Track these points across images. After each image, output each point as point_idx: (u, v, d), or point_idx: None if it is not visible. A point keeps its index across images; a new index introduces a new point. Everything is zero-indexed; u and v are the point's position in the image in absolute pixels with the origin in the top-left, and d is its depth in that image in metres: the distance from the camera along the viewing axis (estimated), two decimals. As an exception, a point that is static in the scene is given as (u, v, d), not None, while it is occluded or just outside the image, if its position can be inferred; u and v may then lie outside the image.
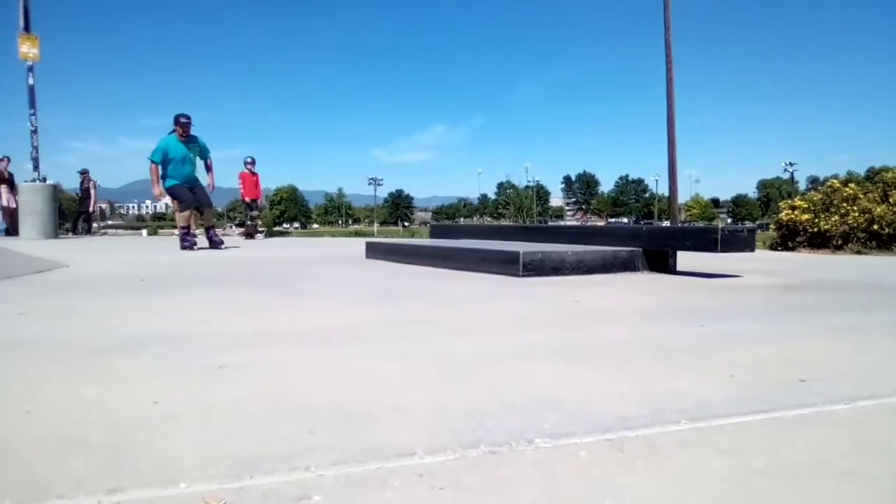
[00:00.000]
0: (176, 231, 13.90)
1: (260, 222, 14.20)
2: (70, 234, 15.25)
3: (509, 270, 3.94)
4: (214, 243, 7.83)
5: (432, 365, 1.62)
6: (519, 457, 0.99)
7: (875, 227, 7.14)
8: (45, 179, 11.90)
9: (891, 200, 7.34)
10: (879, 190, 7.81)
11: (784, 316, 2.54)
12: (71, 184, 20.04)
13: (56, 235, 11.67)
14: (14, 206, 12.98)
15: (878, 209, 7.22)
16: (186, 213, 7.64)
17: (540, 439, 1.06)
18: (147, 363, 1.63)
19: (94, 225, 18.97)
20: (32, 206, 11.30)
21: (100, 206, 22.51)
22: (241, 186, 13.73)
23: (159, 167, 7.41)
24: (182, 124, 7.47)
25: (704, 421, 1.15)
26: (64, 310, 2.65)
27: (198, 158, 7.78)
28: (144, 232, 22.99)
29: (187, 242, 7.54)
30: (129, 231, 30.48)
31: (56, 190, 12.39)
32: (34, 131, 11.87)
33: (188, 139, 7.56)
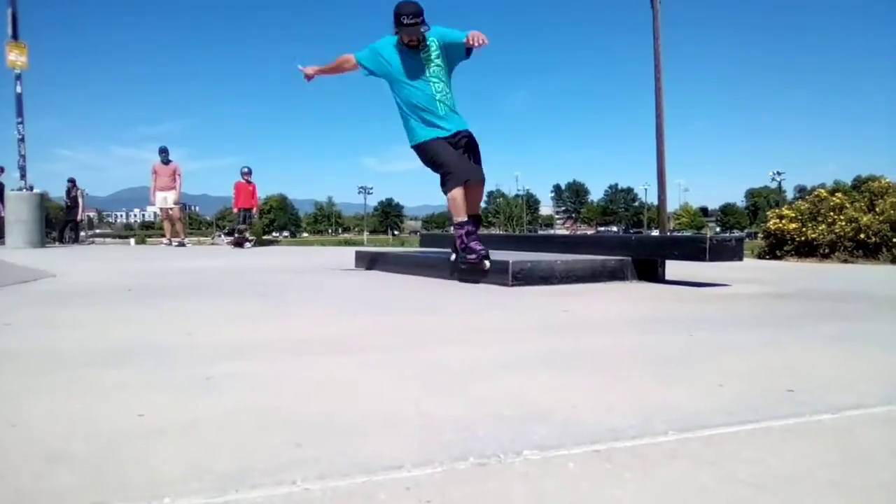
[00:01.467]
0: (164, 240, 13.79)
1: (249, 232, 14.19)
2: (57, 243, 15.14)
3: (499, 280, 3.94)
4: (476, 258, 3.96)
5: (422, 375, 1.62)
6: (507, 469, 0.99)
7: (862, 236, 7.21)
8: (32, 188, 11.83)
9: (877, 209, 7.41)
10: (866, 199, 7.89)
11: (772, 325, 2.55)
12: (58, 192, 19.95)
13: (43, 244, 11.59)
14: (2, 214, 12.91)
15: (865, 218, 7.28)
16: (459, 192, 3.98)
17: (529, 451, 1.05)
18: (133, 375, 1.61)
19: (82, 234, 18.84)
20: (19, 215, 11.23)
21: (87, 215, 22.37)
22: (234, 196, 13.78)
23: (358, 67, 4.28)
24: (407, 27, 3.94)
25: (692, 431, 1.16)
26: (50, 320, 2.62)
27: (444, 68, 4.10)
28: (132, 241, 22.82)
29: (475, 256, 3.96)
30: (117, 240, 30.28)
31: (43, 198, 12.32)
32: (21, 140, 11.80)
33: (420, 46, 4.03)
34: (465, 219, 4.03)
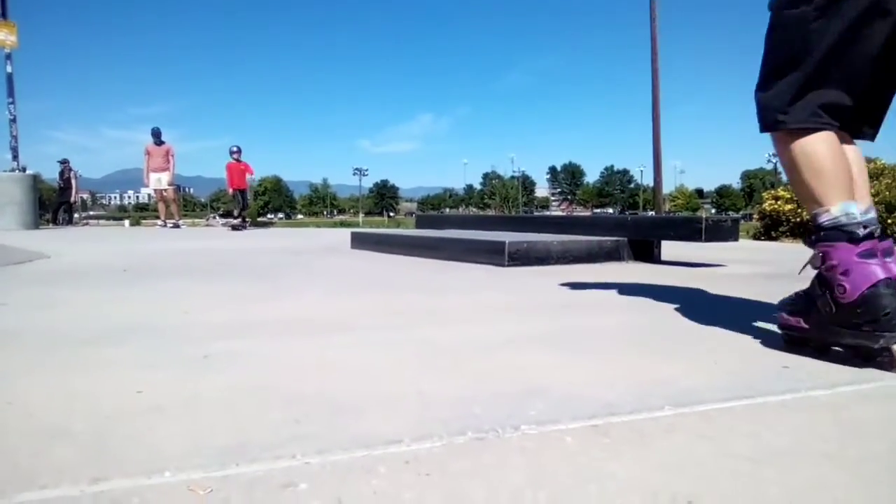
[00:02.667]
0: (159, 221, 13.70)
1: (245, 213, 14.10)
2: (50, 225, 15.07)
3: (495, 260, 3.94)
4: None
5: (419, 354, 1.62)
6: (505, 443, 0.99)
7: (856, 217, 7.22)
8: (24, 169, 11.75)
9: (872, 191, 7.43)
10: (860, 180, 7.89)
11: (767, 304, 2.56)
12: (51, 174, 19.84)
13: (36, 226, 11.54)
14: None
15: (859, 199, 7.29)
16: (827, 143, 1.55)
17: (526, 426, 1.06)
18: (131, 353, 1.61)
19: (76, 215, 18.76)
20: (11, 196, 11.15)
21: (81, 197, 22.29)
22: (227, 177, 13.67)
23: None
24: None
25: (689, 407, 1.16)
26: (46, 300, 2.62)
27: None
28: (127, 223, 22.74)
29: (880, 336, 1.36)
30: (111, 222, 30.18)
31: (36, 180, 12.24)
32: (13, 120, 11.70)
33: None
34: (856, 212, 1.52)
